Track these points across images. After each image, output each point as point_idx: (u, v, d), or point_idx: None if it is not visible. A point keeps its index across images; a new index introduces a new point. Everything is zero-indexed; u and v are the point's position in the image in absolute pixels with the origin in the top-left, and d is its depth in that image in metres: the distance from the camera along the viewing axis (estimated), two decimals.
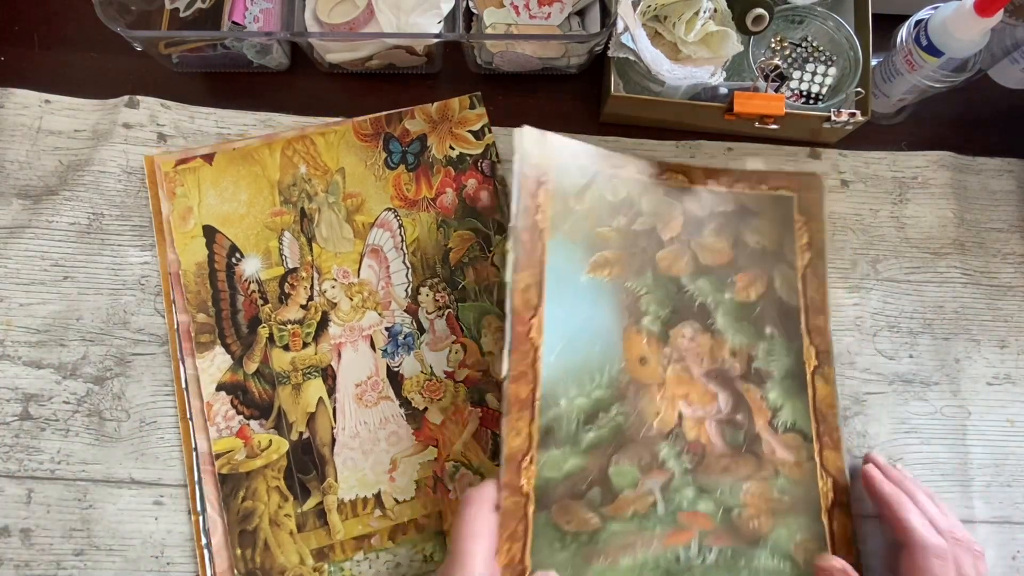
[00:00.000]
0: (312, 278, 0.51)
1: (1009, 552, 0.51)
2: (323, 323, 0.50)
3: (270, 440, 0.48)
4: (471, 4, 0.53)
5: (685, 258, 0.50)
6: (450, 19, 0.51)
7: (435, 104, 0.55)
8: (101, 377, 0.50)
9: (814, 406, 0.49)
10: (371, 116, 0.54)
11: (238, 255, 0.51)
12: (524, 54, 0.53)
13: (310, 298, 0.51)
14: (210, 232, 0.51)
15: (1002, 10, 0.46)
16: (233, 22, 0.53)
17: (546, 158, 0.47)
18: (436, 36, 0.50)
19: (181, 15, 0.54)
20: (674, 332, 0.49)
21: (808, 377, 0.50)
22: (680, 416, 0.48)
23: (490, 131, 0.55)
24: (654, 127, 0.57)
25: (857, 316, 0.55)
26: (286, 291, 0.51)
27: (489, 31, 0.53)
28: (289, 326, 0.50)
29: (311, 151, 0.53)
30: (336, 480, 0.48)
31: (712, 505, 0.46)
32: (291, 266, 0.51)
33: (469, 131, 0.54)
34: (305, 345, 0.50)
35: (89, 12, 0.48)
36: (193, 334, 0.49)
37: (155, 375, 0.50)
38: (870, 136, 0.58)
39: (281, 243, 0.51)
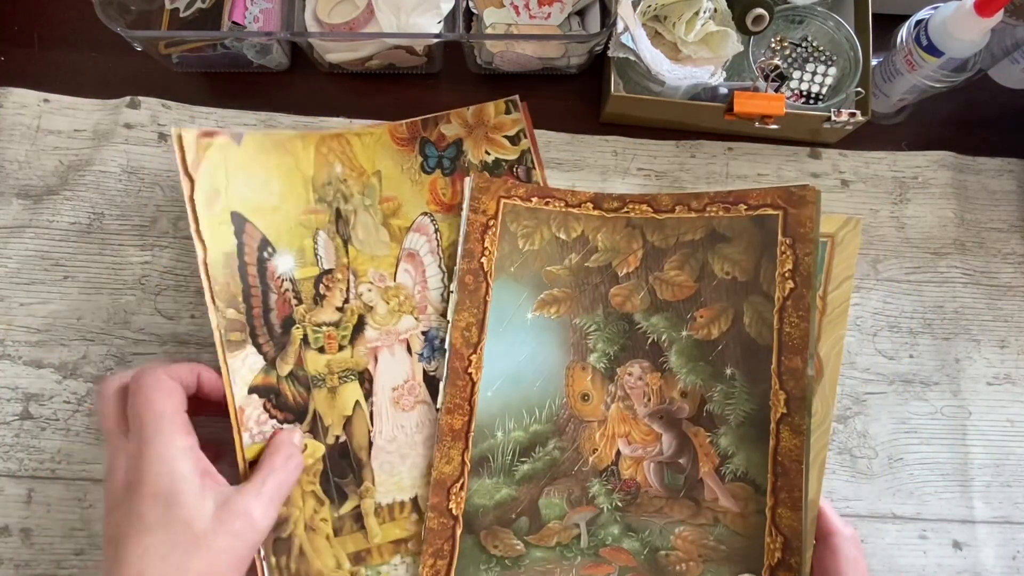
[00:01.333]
0: (348, 280, 0.50)
1: (1009, 552, 0.51)
2: (359, 326, 0.50)
3: (305, 444, 0.47)
4: (471, 4, 0.53)
5: (640, 294, 0.49)
6: (450, 19, 0.51)
7: (471, 108, 0.54)
8: (101, 377, 0.50)
9: (775, 458, 0.45)
10: (407, 120, 0.54)
11: (270, 249, 0.49)
12: (524, 54, 0.53)
13: (346, 300, 0.50)
14: (239, 220, 0.48)
15: (1002, 10, 0.46)
16: (233, 22, 0.53)
17: (495, 202, 0.49)
18: (436, 36, 0.50)
19: (181, 15, 0.54)
20: (621, 370, 0.48)
21: (772, 426, 0.45)
22: (618, 454, 0.47)
23: (526, 136, 0.54)
24: (654, 127, 0.57)
25: (857, 316, 0.55)
26: (321, 292, 0.49)
27: (489, 31, 0.53)
28: (324, 328, 0.49)
29: (347, 152, 0.52)
30: (373, 484, 0.47)
31: (637, 544, 0.46)
32: (326, 267, 0.50)
33: (505, 136, 0.54)
34: (341, 348, 0.49)
35: (89, 12, 0.48)
36: (222, 331, 0.46)
37: None
38: (870, 136, 0.58)
39: (316, 242, 0.50)
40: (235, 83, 0.57)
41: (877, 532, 0.51)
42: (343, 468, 0.47)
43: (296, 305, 0.49)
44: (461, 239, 0.49)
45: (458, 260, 0.49)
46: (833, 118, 0.52)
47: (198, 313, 0.52)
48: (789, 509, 0.44)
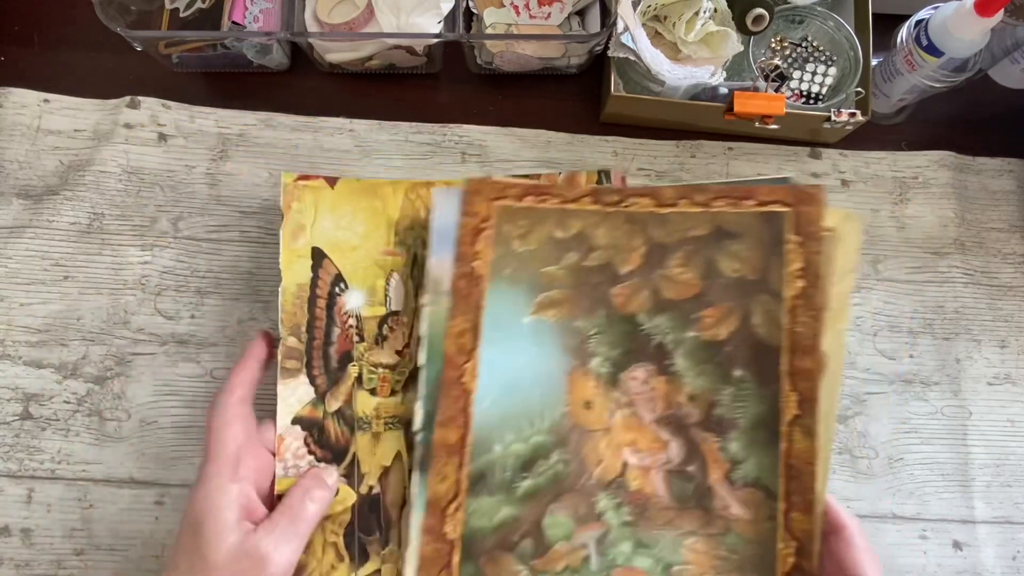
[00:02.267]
0: (412, 326, 0.49)
1: (1009, 552, 0.51)
2: (415, 374, 0.47)
3: (338, 490, 0.45)
4: (471, 4, 0.53)
5: (644, 293, 0.46)
6: (450, 19, 0.51)
7: (563, 175, 0.52)
8: (101, 377, 0.50)
9: (786, 462, 0.43)
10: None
11: (343, 285, 0.48)
12: (524, 54, 0.53)
13: (407, 345, 0.48)
14: (318, 255, 0.48)
15: (1002, 10, 0.46)
16: (233, 22, 0.53)
17: (487, 204, 0.47)
18: (436, 36, 0.50)
19: (181, 15, 0.54)
20: (625, 375, 0.45)
21: (783, 428, 0.43)
22: (625, 465, 0.44)
23: None
24: (654, 127, 0.57)
25: (857, 316, 0.55)
26: (384, 333, 0.48)
27: (489, 31, 0.53)
28: (380, 370, 0.48)
29: None
30: (399, 548, 0.44)
31: (650, 561, 0.43)
32: (394, 308, 0.49)
33: None
34: (393, 393, 0.47)
35: (89, 12, 0.48)
36: (280, 357, 0.46)
37: (155, 375, 0.50)
38: (870, 136, 0.58)
39: (388, 284, 0.49)
40: (235, 83, 0.57)
41: (877, 532, 0.51)
42: (371, 524, 0.45)
43: (357, 342, 0.48)
44: (450, 245, 0.47)
45: (433, 268, 0.46)
46: (833, 118, 0.52)
47: (198, 313, 0.52)
48: (802, 513, 0.43)
